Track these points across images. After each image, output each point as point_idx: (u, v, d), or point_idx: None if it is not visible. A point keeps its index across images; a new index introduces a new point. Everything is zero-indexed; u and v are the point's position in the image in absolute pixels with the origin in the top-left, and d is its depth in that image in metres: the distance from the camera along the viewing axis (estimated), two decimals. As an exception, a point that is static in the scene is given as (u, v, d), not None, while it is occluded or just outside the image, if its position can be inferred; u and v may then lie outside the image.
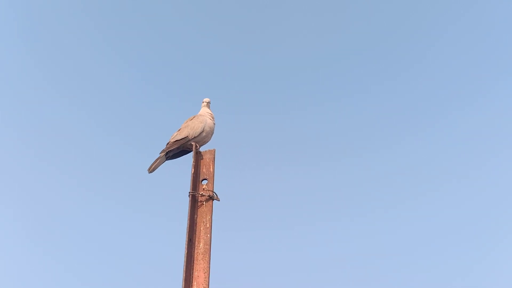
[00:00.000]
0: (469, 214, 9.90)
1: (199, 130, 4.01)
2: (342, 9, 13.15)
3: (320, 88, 12.38)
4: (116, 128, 11.36)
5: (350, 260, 8.94)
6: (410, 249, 9.27)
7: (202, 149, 3.88)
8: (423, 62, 12.31)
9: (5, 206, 9.52)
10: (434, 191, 10.30)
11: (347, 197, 10.32)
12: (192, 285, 3.11)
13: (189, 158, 3.84)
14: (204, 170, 3.67)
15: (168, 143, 4.06)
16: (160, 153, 4.04)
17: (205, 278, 3.13)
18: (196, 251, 3.25)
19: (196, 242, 3.30)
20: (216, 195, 3.50)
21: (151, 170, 4.00)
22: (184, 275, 3.08)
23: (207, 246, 3.27)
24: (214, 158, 3.72)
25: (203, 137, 4.03)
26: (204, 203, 3.48)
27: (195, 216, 3.42)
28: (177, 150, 4.06)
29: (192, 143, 3.87)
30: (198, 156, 3.74)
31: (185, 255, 3.16)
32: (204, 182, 3.60)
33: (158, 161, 4.02)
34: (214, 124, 4.17)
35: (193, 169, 3.59)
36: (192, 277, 3.14)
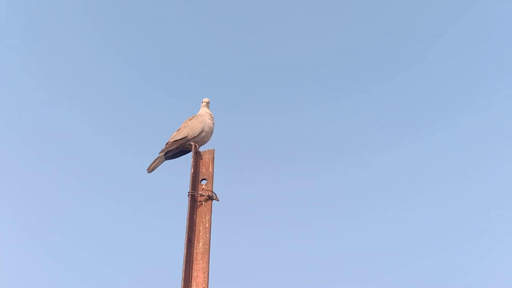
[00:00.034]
0: (469, 214, 9.91)
1: (198, 130, 4.01)
2: (342, 9, 13.16)
3: (320, 88, 12.38)
4: (115, 128, 11.37)
5: (350, 260, 8.94)
6: (410, 249, 9.28)
7: (201, 149, 3.88)
8: (423, 62, 12.31)
9: (5, 206, 9.54)
10: (434, 191, 10.31)
11: (347, 197, 10.33)
12: (191, 285, 3.11)
13: (188, 158, 3.84)
14: (203, 170, 3.67)
15: (167, 143, 4.06)
16: (160, 153, 4.04)
17: (204, 278, 3.13)
18: (195, 251, 3.26)
19: (195, 242, 3.30)
20: (215, 195, 3.50)
21: (151, 170, 4.00)
22: (183, 275, 3.08)
23: (206, 246, 3.27)
24: (213, 158, 3.72)
25: (202, 137, 4.03)
26: (203, 203, 3.48)
27: (194, 216, 3.42)
28: (176, 150, 4.06)
29: (192, 143, 3.88)
30: (198, 156, 3.75)
31: (184, 255, 3.16)
32: (204, 182, 3.60)
33: (157, 161, 4.02)
34: (213, 124, 4.17)
35: (192, 169, 3.60)
36: (191, 277, 3.15)
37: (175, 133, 4.10)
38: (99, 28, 12.43)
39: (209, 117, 4.18)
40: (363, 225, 9.68)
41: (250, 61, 12.88)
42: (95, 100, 11.67)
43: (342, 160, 11.26)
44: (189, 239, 3.27)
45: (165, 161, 4.09)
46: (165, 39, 12.84)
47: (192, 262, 3.21)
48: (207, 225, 3.37)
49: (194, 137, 3.98)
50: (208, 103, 4.33)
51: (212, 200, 3.48)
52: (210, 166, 3.68)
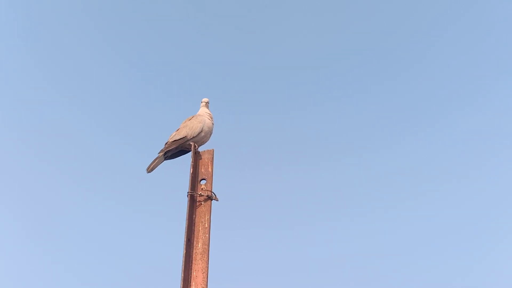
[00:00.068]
0: (469, 214, 9.90)
1: (197, 130, 4.01)
2: (342, 9, 13.16)
3: (320, 88, 12.38)
4: (115, 128, 11.37)
5: (350, 260, 8.94)
6: (410, 249, 9.28)
7: (200, 149, 3.88)
8: (423, 62, 12.31)
9: (5, 206, 9.54)
10: (434, 191, 10.31)
11: (347, 197, 10.33)
12: (190, 285, 3.11)
13: (187, 158, 3.84)
14: (202, 170, 3.67)
15: (166, 143, 4.06)
16: (159, 153, 4.04)
17: (204, 278, 3.13)
18: (194, 251, 3.26)
19: (195, 242, 3.30)
20: (215, 195, 3.50)
21: (150, 170, 4.00)
22: (182, 275, 3.08)
23: (206, 246, 3.27)
24: (212, 158, 3.72)
25: (201, 137, 4.03)
26: (202, 203, 3.48)
27: (194, 216, 3.42)
28: (175, 150, 4.06)
29: (191, 143, 3.88)
30: (197, 156, 3.75)
31: (184, 255, 3.16)
32: (203, 182, 3.60)
33: (156, 161, 4.02)
34: (212, 124, 4.17)
35: (191, 169, 3.59)
36: (191, 277, 3.14)
37: (174, 133, 4.09)
38: (99, 28, 12.45)
39: (208, 117, 4.18)
40: (363, 225, 9.69)
41: (250, 61, 12.89)
42: (95, 100, 11.69)
43: (342, 160, 11.27)
44: (189, 239, 3.27)
45: (165, 161, 4.08)
46: (165, 39, 12.86)
47: (192, 262, 3.21)
48: (206, 225, 3.37)
49: (193, 137, 3.98)
50: (207, 103, 4.33)
51: (212, 200, 3.48)
52: (210, 166, 3.68)
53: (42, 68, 11.72)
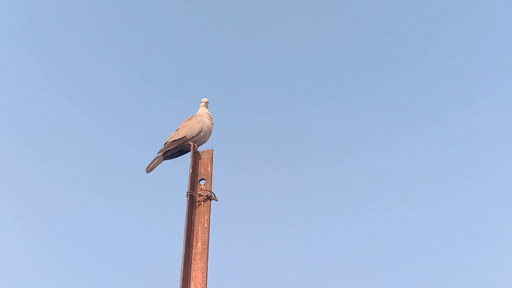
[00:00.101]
0: (469, 214, 9.90)
1: (197, 130, 4.01)
2: (342, 9, 13.16)
3: (320, 88, 12.37)
4: (115, 128, 11.37)
5: (350, 260, 8.94)
6: (410, 249, 9.27)
7: (200, 149, 3.88)
8: (423, 62, 12.30)
9: (5, 206, 9.54)
10: (434, 191, 10.30)
11: (347, 197, 10.32)
12: (189, 285, 3.11)
13: (187, 158, 3.84)
14: (202, 170, 3.67)
15: (166, 143, 4.06)
16: (158, 153, 4.04)
17: (203, 278, 3.13)
18: (194, 251, 3.26)
19: (194, 242, 3.30)
20: (214, 195, 3.50)
21: (149, 170, 4.00)
22: (182, 275, 3.08)
23: (205, 246, 3.27)
24: (212, 158, 3.72)
25: (201, 137, 4.03)
26: (202, 203, 3.48)
27: (193, 216, 3.42)
28: (175, 150, 4.06)
29: (190, 143, 3.88)
30: (196, 156, 3.74)
31: (183, 255, 3.16)
32: (202, 182, 3.60)
33: (156, 161, 4.02)
34: (212, 124, 4.17)
35: (191, 169, 3.59)
36: (190, 277, 3.15)
37: (173, 133, 4.09)
38: (99, 28, 12.45)
39: (208, 117, 4.18)
40: (363, 225, 9.68)
41: (250, 61, 12.88)
42: (95, 100, 11.68)
43: (342, 160, 11.26)
44: (188, 239, 3.27)
45: (164, 161, 4.08)
46: (165, 39, 12.85)
47: (191, 262, 3.21)
48: (205, 225, 3.37)
49: (192, 137, 3.98)
50: (207, 103, 4.32)
51: (211, 200, 3.48)
52: (209, 166, 3.68)
53: (42, 68, 11.73)
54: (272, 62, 12.77)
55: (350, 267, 8.77)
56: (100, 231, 9.28)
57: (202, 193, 3.50)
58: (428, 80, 12.03)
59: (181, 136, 4.00)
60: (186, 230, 3.28)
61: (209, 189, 3.53)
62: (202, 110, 4.26)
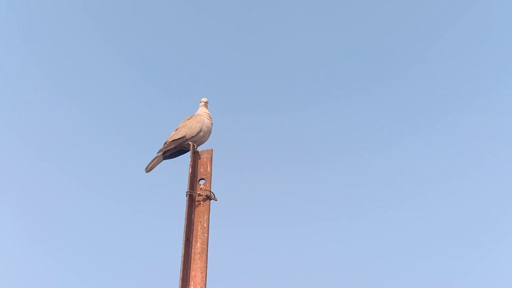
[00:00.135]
0: (469, 214, 9.89)
1: (196, 130, 4.01)
2: (342, 9, 13.15)
3: (320, 88, 12.37)
4: (115, 128, 11.37)
5: (350, 260, 8.93)
6: (410, 249, 9.27)
7: (199, 148, 3.88)
8: (423, 62, 12.30)
9: (5, 206, 9.54)
10: (434, 191, 10.29)
11: (347, 197, 10.31)
12: (189, 285, 3.11)
13: (186, 157, 3.83)
14: (201, 169, 3.67)
15: (165, 143, 4.06)
16: (158, 152, 4.04)
17: (202, 277, 3.13)
18: (193, 250, 3.26)
19: (193, 242, 3.30)
20: (214, 195, 3.50)
21: (148, 169, 4.00)
22: (181, 274, 3.08)
23: (204, 246, 3.27)
24: (211, 157, 3.72)
25: (200, 137, 4.03)
26: (201, 202, 3.48)
27: (193, 216, 3.42)
28: (174, 149, 4.06)
29: (190, 142, 3.88)
30: (196, 156, 3.75)
31: (182, 255, 3.16)
32: (202, 181, 3.61)
33: (155, 161, 4.02)
34: (211, 124, 4.17)
35: (190, 169, 3.60)
36: (189, 276, 3.15)
37: (173, 133, 4.09)
38: (99, 28, 12.44)
39: (207, 116, 4.18)
40: (363, 225, 9.67)
41: (250, 61, 12.88)
42: (95, 100, 11.68)
43: (342, 160, 11.25)
44: (187, 239, 3.27)
45: (163, 160, 4.09)
46: (165, 39, 12.85)
47: (190, 262, 3.21)
48: (205, 224, 3.37)
49: (192, 136, 3.98)
50: (206, 102, 4.32)
51: (210, 199, 3.48)
52: (208, 166, 3.68)
53: (42, 68, 11.73)
54: (272, 62, 12.78)
55: (350, 267, 8.77)
56: (99, 231, 9.28)
57: (201, 193, 3.50)
58: (428, 80, 12.04)
59: (181, 136, 3.99)
60: (185, 230, 3.28)
61: (209, 189, 3.53)
62: (202, 110, 4.26)
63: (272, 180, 10.27)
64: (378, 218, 9.83)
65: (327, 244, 9.22)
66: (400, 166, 10.92)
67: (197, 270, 3.17)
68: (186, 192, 3.46)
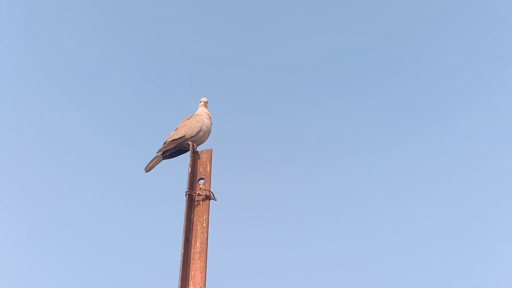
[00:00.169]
0: (469, 214, 9.89)
1: (196, 130, 4.01)
2: (342, 9, 13.16)
3: (320, 88, 12.37)
4: (114, 128, 11.37)
5: (350, 260, 8.93)
6: (410, 249, 9.26)
7: (199, 148, 3.88)
8: (423, 62, 12.30)
9: (5, 206, 9.54)
10: (434, 191, 10.29)
11: (347, 197, 10.31)
12: (188, 285, 3.11)
13: (186, 157, 3.84)
14: (201, 169, 3.67)
15: (165, 143, 4.06)
16: (157, 152, 4.04)
17: (202, 277, 3.13)
18: (192, 250, 3.25)
19: (193, 242, 3.29)
20: (213, 195, 3.50)
21: (148, 169, 4.00)
22: (180, 274, 3.08)
23: (204, 246, 3.27)
24: (211, 157, 3.72)
25: (200, 137, 4.03)
26: (201, 202, 3.48)
27: (192, 216, 3.42)
28: (174, 149, 4.06)
29: (189, 142, 3.88)
30: (195, 156, 3.74)
31: (182, 255, 3.16)
32: (201, 181, 3.60)
33: (154, 161, 4.02)
34: (211, 123, 4.17)
35: (190, 169, 3.59)
36: (189, 276, 3.14)
37: (173, 133, 4.09)
38: (99, 28, 12.45)
39: (207, 116, 4.18)
40: (363, 225, 9.67)
41: (250, 61, 12.88)
42: (94, 100, 11.68)
43: (342, 160, 11.25)
44: (187, 239, 3.27)
45: (163, 160, 4.08)
46: (165, 39, 12.86)
47: (190, 262, 3.21)
48: (204, 224, 3.37)
49: (192, 136, 3.98)
50: (206, 102, 4.32)
51: (210, 199, 3.48)
52: (208, 166, 3.68)
53: (42, 68, 11.73)
54: (272, 62, 12.78)
55: (350, 267, 8.77)
56: (99, 231, 9.29)
57: (201, 193, 3.50)
58: (428, 80, 12.04)
59: (180, 136, 3.99)
60: (185, 230, 3.28)
61: (208, 189, 3.53)
62: (201, 110, 4.26)
63: (272, 180, 10.28)
64: (378, 218, 9.84)
65: (327, 244, 9.23)
66: (400, 166, 10.94)
67: (196, 270, 3.16)
68: (186, 192, 3.46)
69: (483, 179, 10.44)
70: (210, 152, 3.76)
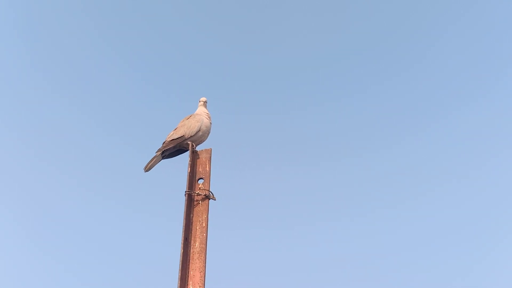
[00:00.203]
0: (469, 214, 9.89)
1: (195, 129, 4.01)
2: (342, 9, 13.15)
3: (320, 88, 12.37)
4: (114, 128, 11.38)
5: (350, 260, 8.93)
6: (410, 249, 9.26)
7: (198, 148, 3.88)
8: (423, 62, 12.30)
9: (5, 206, 9.54)
10: (434, 191, 10.29)
11: (347, 197, 10.31)
12: (188, 285, 3.11)
13: (185, 157, 3.83)
14: (200, 169, 3.67)
15: (164, 142, 4.05)
16: (156, 152, 4.04)
17: (201, 277, 3.12)
18: (192, 250, 3.25)
19: (192, 241, 3.29)
20: (212, 194, 3.50)
21: (147, 169, 4.00)
22: (179, 274, 3.07)
23: (203, 245, 3.26)
24: (210, 157, 3.72)
25: (199, 136, 4.03)
26: (200, 202, 3.47)
27: (191, 215, 3.42)
28: (173, 149, 4.06)
29: (189, 142, 3.87)
30: (195, 155, 3.74)
31: (181, 254, 3.15)
32: (200, 181, 3.60)
33: (154, 160, 4.02)
34: (210, 123, 4.16)
35: (189, 168, 3.59)
36: (188, 276, 3.14)
37: (172, 132, 4.09)
38: (99, 28, 12.45)
39: (206, 116, 4.18)
40: (363, 225, 9.67)
41: (250, 61, 12.88)
42: (94, 100, 11.69)
43: (342, 160, 11.25)
44: (186, 238, 3.26)
45: (162, 160, 4.08)
46: (165, 39, 12.86)
47: (189, 261, 3.20)
48: (203, 224, 3.36)
49: (191, 136, 3.98)
50: (205, 102, 4.32)
51: (209, 199, 3.48)
52: (207, 166, 3.67)
53: (42, 68, 11.74)
54: (272, 62, 12.78)
55: (350, 267, 8.77)
56: (98, 231, 9.29)
57: (200, 192, 3.49)
58: (428, 80, 12.04)
59: (180, 135, 3.99)
60: (184, 229, 3.27)
61: (208, 188, 3.53)
62: (201, 109, 4.26)
63: (271, 179, 10.28)
64: (378, 218, 9.84)
65: (327, 244, 9.23)
66: (400, 166, 10.94)
67: (195, 269, 3.16)
68: (185, 191, 3.46)
69: (483, 179, 10.45)
70: (209, 152, 3.76)
